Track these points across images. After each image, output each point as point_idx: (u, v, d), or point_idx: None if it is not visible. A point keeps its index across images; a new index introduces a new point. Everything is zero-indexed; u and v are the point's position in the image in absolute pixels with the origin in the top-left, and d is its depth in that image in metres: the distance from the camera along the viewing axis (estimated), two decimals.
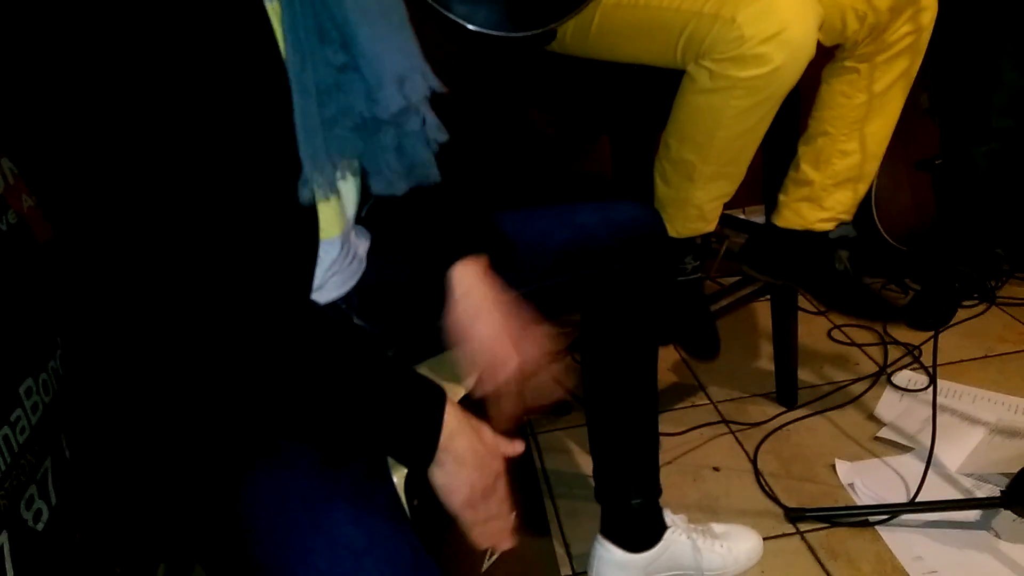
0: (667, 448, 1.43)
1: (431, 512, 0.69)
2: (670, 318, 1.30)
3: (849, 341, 1.75)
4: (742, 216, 1.62)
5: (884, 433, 1.44)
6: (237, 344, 0.59)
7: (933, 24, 1.14)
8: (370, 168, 0.71)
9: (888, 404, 1.53)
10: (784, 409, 1.54)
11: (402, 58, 0.68)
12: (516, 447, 0.72)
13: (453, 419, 0.65)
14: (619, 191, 1.40)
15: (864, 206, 1.84)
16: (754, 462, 1.41)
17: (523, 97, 1.29)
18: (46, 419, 0.77)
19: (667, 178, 1.16)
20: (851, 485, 1.33)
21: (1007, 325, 1.76)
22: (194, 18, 0.55)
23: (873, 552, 1.19)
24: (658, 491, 1.12)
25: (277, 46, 0.63)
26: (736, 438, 1.48)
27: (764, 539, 1.21)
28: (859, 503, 1.29)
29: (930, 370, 1.57)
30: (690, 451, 1.45)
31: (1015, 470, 1.15)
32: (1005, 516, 1.20)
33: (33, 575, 0.71)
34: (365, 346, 0.65)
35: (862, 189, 1.25)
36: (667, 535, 1.13)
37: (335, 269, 0.78)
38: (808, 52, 0.99)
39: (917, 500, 1.24)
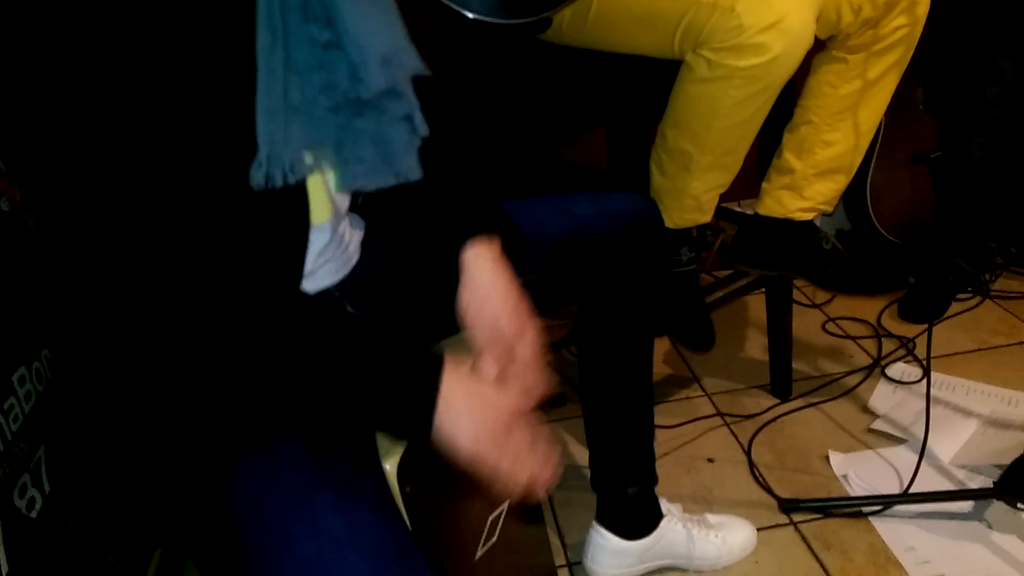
0: (662, 440, 1.43)
1: (424, 499, 0.69)
2: (665, 309, 1.30)
3: (843, 334, 1.76)
4: (737, 209, 1.62)
5: (878, 425, 1.45)
6: (226, 327, 0.59)
7: (926, 16, 1.14)
8: (344, 158, 0.68)
9: (882, 396, 1.53)
10: (778, 401, 1.54)
11: (387, 38, 0.67)
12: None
13: (453, 374, 0.64)
14: (614, 182, 1.40)
15: (859, 199, 1.84)
16: (748, 453, 1.41)
17: (517, 87, 1.29)
18: (39, 407, 0.77)
19: (664, 168, 1.16)
20: (845, 476, 1.33)
21: (1000, 318, 1.77)
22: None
23: (866, 543, 1.20)
24: (654, 480, 1.12)
25: (254, 25, 0.61)
26: (730, 430, 1.49)
27: (758, 530, 1.21)
28: (852, 494, 1.30)
29: (924, 362, 1.58)
30: (685, 443, 1.46)
31: (1008, 461, 1.16)
32: (998, 507, 1.21)
33: (27, 564, 0.71)
34: (354, 323, 0.64)
35: (844, 181, 1.25)
36: (663, 524, 1.13)
37: (328, 256, 0.77)
38: (806, 42, 0.99)
39: (910, 491, 1.24)
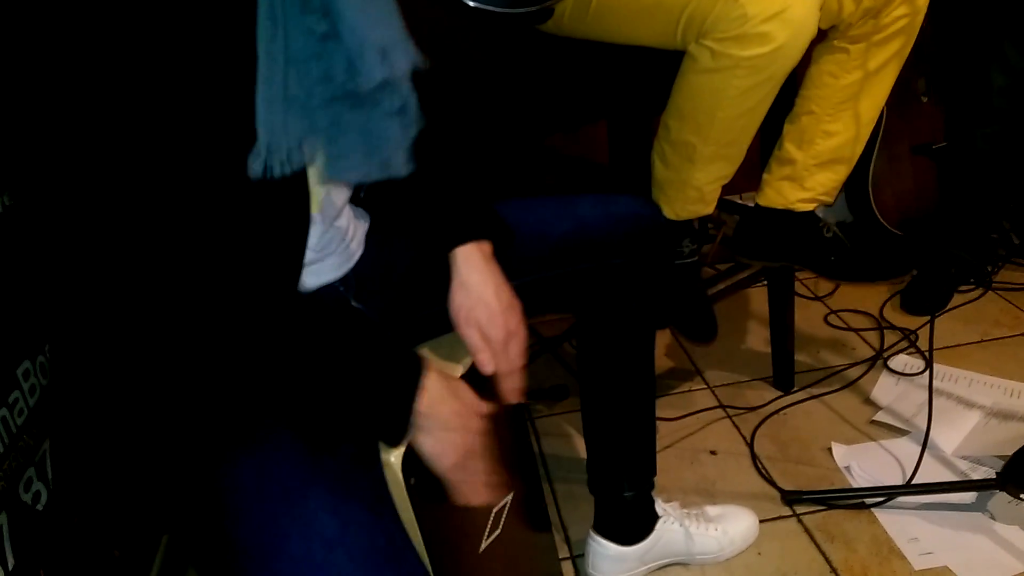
0: (664, 432, 1.43)
1: (430, 490, 0.69)
2: (667, 302, 1.30)
3: (845, 326, 1.76)
4: (739, 202, 1.62)
5: (880, 416, 1.45)
6: (221, 320, 0.59)
7: (927, 6, 1.13)
8: (332, 151, 0.68)
9: (884, 388, 1.53)
10: (781, 393, 1.54)
11: (385, 30, 0.66)
12: (494, 406, 0.72)
13: (435, 385, 0.66)
14: (615, 175, 1.39)
15: (861, 191, 1.84)
16: (751, 446, 1.41)
17: (517, 79, 1.28)
18: (44, 401, 0.77)
19: (667, 160, 1.16)
20: (847, 468, 1.33)
21: (1003, 310, 1.77)
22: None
23: (869, 534, 1.20)
24: (651, 483, 1.12)
25: (254, 14, 0.61)
26: (733, 422, 1.49)
27: (761, 522, 1.21)
28: (855, 486, 1.30)
29: (926, 354, 1.58)
30: (687, 435, 1.46)
31: (1010, 452, 1.16)
32: (1000, 498, 1.21)
33: (32, 557, 0.71)
34: (345, 321, 0.65)
35: (845, 171, 1.24)
36: (658, 525, 1.13)
37: (330, 250, 0.77)
38: (810, 31, 0.99)
39: (913, 482, 1.24)
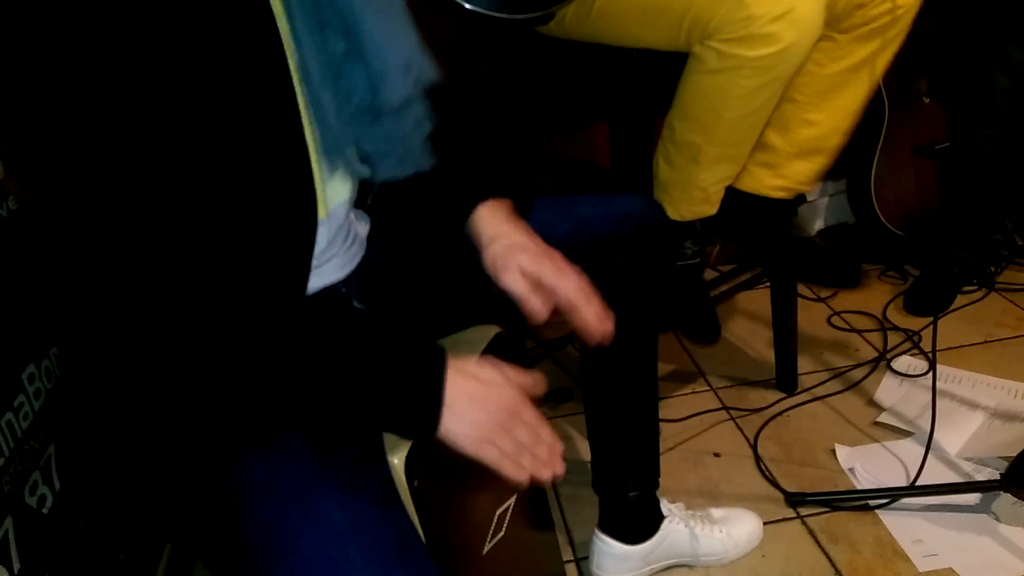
0: (668, 434, 1.43)
1: (432, 493, 0.69)
2: (670, 303, 1.30)
3: (849, 327, 1.76)
4: None
5: (884, 418, 1.45)
6: (231, 324, 0.59)
7: (917, 3, 1.12)
8: (360, 155, 0.70)
9: (888, 389, 1.53)
10: (784, 395, 1.54)
11: (406, 47, 0.68)
12: (531, 376, 0.69)
13: (456, 371, 0.64)
14: (618, 176, 1.39)
15: (863, 192, 1.84)
16: (754, 448, 1.41)
17: (519, 81, 1.29)
18: (49, 405, 0.77)
19: (671, 161, 1.15)
20: (851, 470, 1.33)
21: (1006, 310, 1.76)
22: (194, 4, 0.55)
23: (873, 536, 1.20)
24: (656, 483, 1.12)
25: (277, 32, 0.62)
26: (736, 424, 1.48)
27: (765, 524, 1.21)
28: (859, 487, 1.30)
29: (930, 355, 1.58)
30: (691, 437, 1.45)
31: (1014, 454, 1.16)
32: (1005, 499, 1.21)
33: (38, 560, 0.71)
34: (359, 323, 0.65)
35: (824, 163, 1.23)
36: (664, 525, 1.13)
37: (333, 251, 0.77)
38: (816, 30, 0.99)
39: (917, 484, 1.24)
